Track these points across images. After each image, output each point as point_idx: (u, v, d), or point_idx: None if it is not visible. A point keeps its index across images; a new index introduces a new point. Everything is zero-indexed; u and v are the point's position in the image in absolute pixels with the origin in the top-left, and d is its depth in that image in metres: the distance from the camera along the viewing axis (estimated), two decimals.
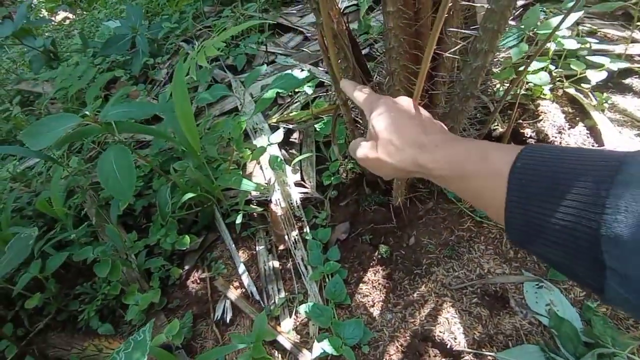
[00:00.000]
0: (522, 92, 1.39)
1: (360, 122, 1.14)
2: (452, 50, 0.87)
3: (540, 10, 1.71)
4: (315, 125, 1.24)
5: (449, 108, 0.98)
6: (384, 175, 0.54)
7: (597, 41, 1.67)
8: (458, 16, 0.87)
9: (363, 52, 1.53)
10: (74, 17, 4.16)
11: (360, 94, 0.60)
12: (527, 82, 1.25)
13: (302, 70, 1.07)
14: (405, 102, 0.54)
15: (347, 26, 0.93)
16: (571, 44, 1.20)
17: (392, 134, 0.48)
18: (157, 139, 1.34)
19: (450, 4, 0.84)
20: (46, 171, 1.48)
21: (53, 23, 3.43)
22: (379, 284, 1.12)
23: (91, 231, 1.32)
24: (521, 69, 1.26)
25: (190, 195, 1.10)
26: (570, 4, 1.70)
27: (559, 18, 1.17)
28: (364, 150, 0.52)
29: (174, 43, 2.07)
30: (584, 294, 0.98)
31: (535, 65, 1.23)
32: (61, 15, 5.05)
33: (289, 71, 1.06)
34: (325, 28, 0.79)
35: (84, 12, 3.44)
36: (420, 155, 0.45)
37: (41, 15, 4.10)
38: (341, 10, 0.91)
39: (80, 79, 1.48)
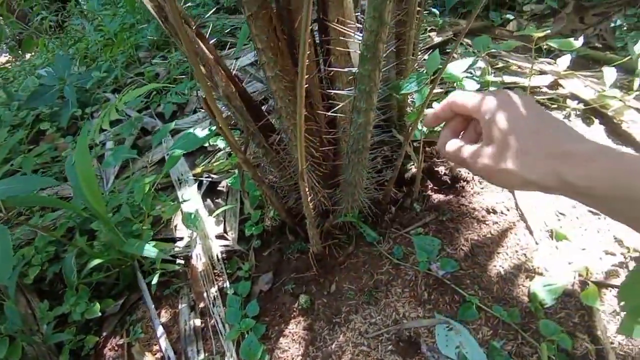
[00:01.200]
0: (440, 129, 1.44)
1: (270, 177, 1.15)
2: (337, 108, 0.90)
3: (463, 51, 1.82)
4: (227, 180, 1.24)
5: (347, 160, 1.00)
6: (510, 187, 0.45)
7: (509, 75, 1.79)
8: (341, 78, 0.91)
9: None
10: (14, 61, 4.04)
11: (466, 97, 0.48)
12: None
13: (203, 129, 1.07)
14: (527, 99, 0.44)
15: (238, 87, 0.94)
16: (471, 85, 1.27)
17: (527, 139, 0.40)
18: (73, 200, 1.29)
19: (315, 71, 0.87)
20: None
21: None
22: (299, 336, 1.10)
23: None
24: (427, 110, 1.32)
25: (98, 260, 1.06)
26: (460, 50, 1.82)
27: (464, 61, 1.25)
28: (484, 160, 0.43)
29: (105, 92, 2.04)
30: (491, 333, 1.00)
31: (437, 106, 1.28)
32: (3, 58, 4.90)
33: (190, 130, 1.06)
34: (207, 96, 0.79)
35: (22, 58, 3.35)
36: (567, 169, 0.37)
37: None
38: (233, 71, 0.93)
39: None
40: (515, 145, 0.40)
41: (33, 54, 3.42)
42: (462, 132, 0.53)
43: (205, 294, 1.18)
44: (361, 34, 0.72)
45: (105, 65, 2.09)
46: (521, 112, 0.42)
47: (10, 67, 3.72)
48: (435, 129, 1.35)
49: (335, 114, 0.96)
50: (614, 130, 1.45)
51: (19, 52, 3.11)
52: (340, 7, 0.80)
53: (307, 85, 0.93)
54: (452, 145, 0.50)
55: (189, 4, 2.53)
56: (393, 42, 1.20)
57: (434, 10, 1.98)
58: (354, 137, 0.93)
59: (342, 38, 0.78)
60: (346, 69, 0.84)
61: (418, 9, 1.20)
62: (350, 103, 0.86)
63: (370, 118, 0.87)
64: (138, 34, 2.43)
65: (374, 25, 0.67)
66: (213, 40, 2.32)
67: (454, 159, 0.49)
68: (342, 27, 0.75)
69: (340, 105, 0.91)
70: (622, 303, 0.54)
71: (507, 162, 0.41)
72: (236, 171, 1.31)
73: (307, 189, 0.88)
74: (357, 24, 0.79)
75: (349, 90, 0.86)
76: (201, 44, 0.84)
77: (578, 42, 1.39)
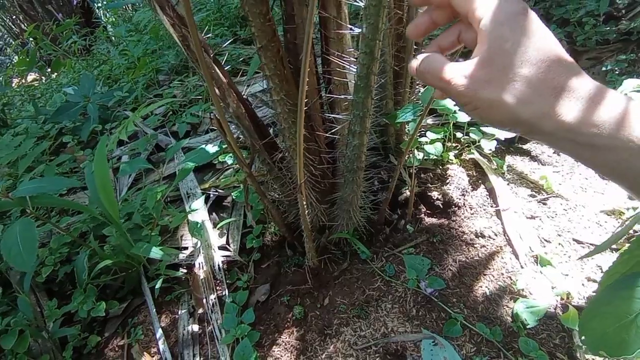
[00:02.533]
0: (434, 157, 1.53)
1: (272, 193, 1.23)
2: (334, 130, 1.00)
3: None
4: (232, 193, 1.33)
5: (343, 179, 1.09)
6: (494, 122, 0.35)
7: None
8: (339, 104, 1.01)
9: None
10: (42, 79, 4.30)
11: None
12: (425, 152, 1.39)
13: (214, 145, 1.18)
14: (537, 19, 0.33)
15: (248, 109, 1.05)
16: (463, 117, 1.36)
17: (533, 67, 0.32)
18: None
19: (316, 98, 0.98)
20: None
21: (14, 89, 3.53)
22: (292, 345, 1.15)
23: (12, 300, 1.31)
24: (422, 139, 1.42)
25: (107, 262, 1.14)
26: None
27: None
28: (471, 82, 0.33)
29: (126, 110, 2.19)
30: (474, 350, 1.04)
31: (432, 136, 1.38)
32: (31, 76, 5.20)
33: (202, 146, 1.17)
34: (219, 115, 0.90)
35: (50, 77, 3.57)
36: (560, 108, 0.31)
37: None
38: (245, 96, 1.04)
39: (16, 150, 1.55)
40: (519, 72, 0.32)
41: (59, 73, 3.65)
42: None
43: (204, 301, 1.25)
44: (356, 67, 0.82)
45: (127, 86, 2.25)
46: (532, 29, 0.32)
47: (37, 84, 3.96)
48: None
49: (333, 136, 1.06)
50: None
51: (48, 71, 3.32)
52: (340, 43, 0.91)
53: (308, 110, 1.04)
54: (433, 61, 0.37)
55: (209, 34, 2.73)
56: (391, 75, 1.32)
57: None
58: (349, 157, 1.02)
59: (340, 70, 0.89)
60: (343, 96, 0.95)
61: (415, 47, 1.32)
62: (347, 127, 0.96)
63: (364, 140, 0.97)
64: (159, 59, 2.61)
65: (366, 60, 0.77)
66: (228, 67, 2.48)
67: (431, 79, 0.37)
68: (340, 60, 0.86)
69: (338, 128, 1.01)
70: (583, 338, 0.59)
71: (502, 91, 0.32)
72: (241, 186, 1.40)
73: (305, 203, 0.96)
74: (353, 58, 0.90)
75: (345, 115, 0.96)
76: (217, 69, 0.95)
77: None
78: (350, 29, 0.84)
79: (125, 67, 2.72)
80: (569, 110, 0.31)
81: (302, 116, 0.71)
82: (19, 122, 2.18)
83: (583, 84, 0.31)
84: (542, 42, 0.32)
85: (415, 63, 0.39)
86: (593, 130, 0.31)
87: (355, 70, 0.83)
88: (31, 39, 3.76)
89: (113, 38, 3.96)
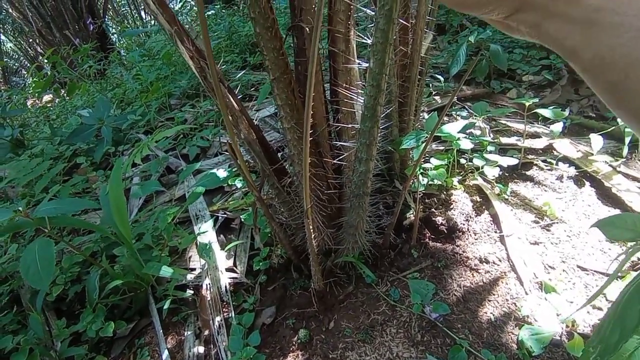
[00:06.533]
0: (438, 183, 1.56)
1: (280, 217, 1.27)
2: (341, 157, 1.04)
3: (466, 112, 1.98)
4: (241, 216, 1.36)
5: (349, 204, 1.12)
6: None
7: (507, 136, 1.93)
8: (347, 132, 1.06)
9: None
10: (56, 100, 4.44)
11: None
12: (430, 177, 1.42)
13: (224, 170, 1.22)
14: None
15: (259, 135, 1.10)
16: (466, 144, 1.41)
17: None
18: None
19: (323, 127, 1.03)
20: None
21: (30, 110, 3.64)
22: None
23: (22, 318, 1.33)
24: (426, 165, 1.46)
25: (118, 281, 1.16)
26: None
27: (459, 123, 1.39)
28: None
29: (138, 132, 2.26)
30: None
31: (435, 162, 1.42)
32: (46, 97, 5.36)
33: (213, 170, 1.21)
34: (232, 140, 0.94)
35: (65, 99, 3.69)
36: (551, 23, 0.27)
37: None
38: (255, 122, 1.09)
39: (32, 171, 1.61)
40: None
41: (73, 96, 3.77)
42: None
43: (211, 323, 1.26)
44: (363, 97, 0.87)
45: (140, 109, 2.33)
46: None
47: (51, 105, 4.09)
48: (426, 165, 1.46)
49: (341, 162, 1.10)
50: (604, 193, 1.55)
51: (63, 94, 3.44)
52: (348, 74, 0.97)
53: (317, 137, 1.09)
54: None
55: (221, 60, 2.83)
56: (396, 104, 1.37)
57: (438, 76, 2.18)
58: (355, 183, 1.06)
59: (347, 100, 0.94)
60: (350, 125, 0.99)
61: (419, 77, 1.38)
62: (354, 154, 1.00)
63: (370, 167, 1.00)
64: (171, 83, 2.71)
65: (372, 91, 0.82)
66: (238, 92, 2.57)
67: None
68: (347, 91, 0.91)
69: (345, 155, 1.05)
70: None
71: None
72: (250, 209, 1.44)
73: (311, 227, 0.99)
74: (360, 89, 0.95)
75: (352, 143, 1.01)
76: (230, 98, 1.01)
77: (565, 112, 1.54)
78: (359, 63, 0.89)
79: (139, 91, 2.82)
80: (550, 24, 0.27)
81: (307, 144, 0.76)
82: (36, 142, 2.26)
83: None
84: None
85: None
86: (596, 2, 0.25)
87: (362, 100, 0.88)
88: (46, 61, 3.91)
89: (126, 62, 4.11)
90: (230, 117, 1.00)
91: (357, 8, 0.91)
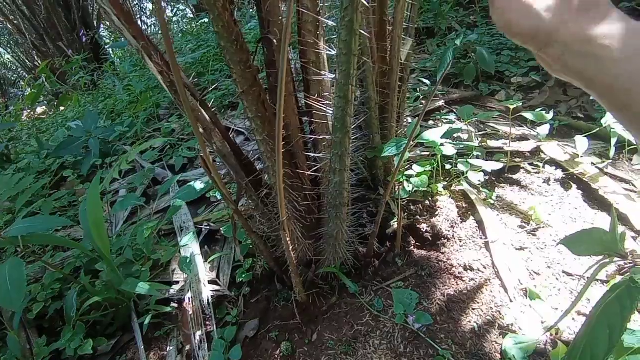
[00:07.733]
0: (423, 189, 1.55)
1: (261, 228, 1.25)
2: (316, 168, 1.03)
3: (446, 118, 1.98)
4: (222, 228, 1.35)
5: (328, 214, 1.11)
6: (516, 30, 0.37)
7: (494, 139, 1.92)
8: (321, 143, 1.05)
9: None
10: (50, 112, 4.45)
11: None
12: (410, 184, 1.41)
13: (202, 182, 1.21)
14: None
15: (234, 147, 1.09)
16: (449, 150, 1.39)
17: None
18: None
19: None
20: None
21: (21, 123, 3.65)
22: None
23: (2, 336, 1.32)
24: (409, 172, 1.44)
25: (97, 298, 1.15)
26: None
27: (441, 128, 1.38)
28: None
29: (125, 144, 2.25)
30: None
31: (418, 169, 1.40)
32: (40, 109, 5.37)
33: (191, 183, 1.20)
34: (204, 154, 0.93)
35: (57, 110, 3.70)
36: (580, 18, 0.34)
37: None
38: (230, 133, 1.08)
39: (16, 185, 1.60)
40: None
41: (65, 107, 3.77)
42: None
43: (192, 337, 1.24)
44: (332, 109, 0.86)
45: (128, 120, 2.33)
46: None
47: (45, 117, 4.10)
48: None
49: (317, 174, 1.08)
50: (591, 195, 1.53)
51: (55, 105, 3.45)
52: (319, 85, 0.96)
53: (292, 148, 1.08)
54: None
55: (208, 69, 2.83)
56: (376, 110, 1.36)
57: (425, 81, 2.18)
58: (332, 194, 1.05)
59: (318, 112, 0.92)
60: (322, 136, 0.98)
61: (399, 83, 1.37)
62: (328, 164, 0.99)
63: (344, 177, 0.99)
64: (160, 94, 2.70)
65: (340, 103, 0.81)
66: (225, 101, 2.56)
67: None
68: (317, 103, 0.90)
69: (319, 166, 1.03)
70: None
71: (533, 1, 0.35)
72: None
73: (289, 238, 0.98)
74: (330, 101, 0.94)
75: (326, 154, 1.00)
76: (203, 112, 1.00)
77: (549, 115, 1.53)
78: (326, 75, 0.88)
79: (128, 102, 2.81)
80: (589, 21, 0.33)
81: (280, 155, 0.74)
82: (23, 157, 2.25)
83: (607, 8, 0.33)
84: None
85: None
86: (610, 41, 0.31)
87: (331, 112, 0.87)
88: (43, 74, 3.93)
89: (119, 73, 4.12)
90: (202, 130, 0.99)
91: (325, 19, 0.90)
